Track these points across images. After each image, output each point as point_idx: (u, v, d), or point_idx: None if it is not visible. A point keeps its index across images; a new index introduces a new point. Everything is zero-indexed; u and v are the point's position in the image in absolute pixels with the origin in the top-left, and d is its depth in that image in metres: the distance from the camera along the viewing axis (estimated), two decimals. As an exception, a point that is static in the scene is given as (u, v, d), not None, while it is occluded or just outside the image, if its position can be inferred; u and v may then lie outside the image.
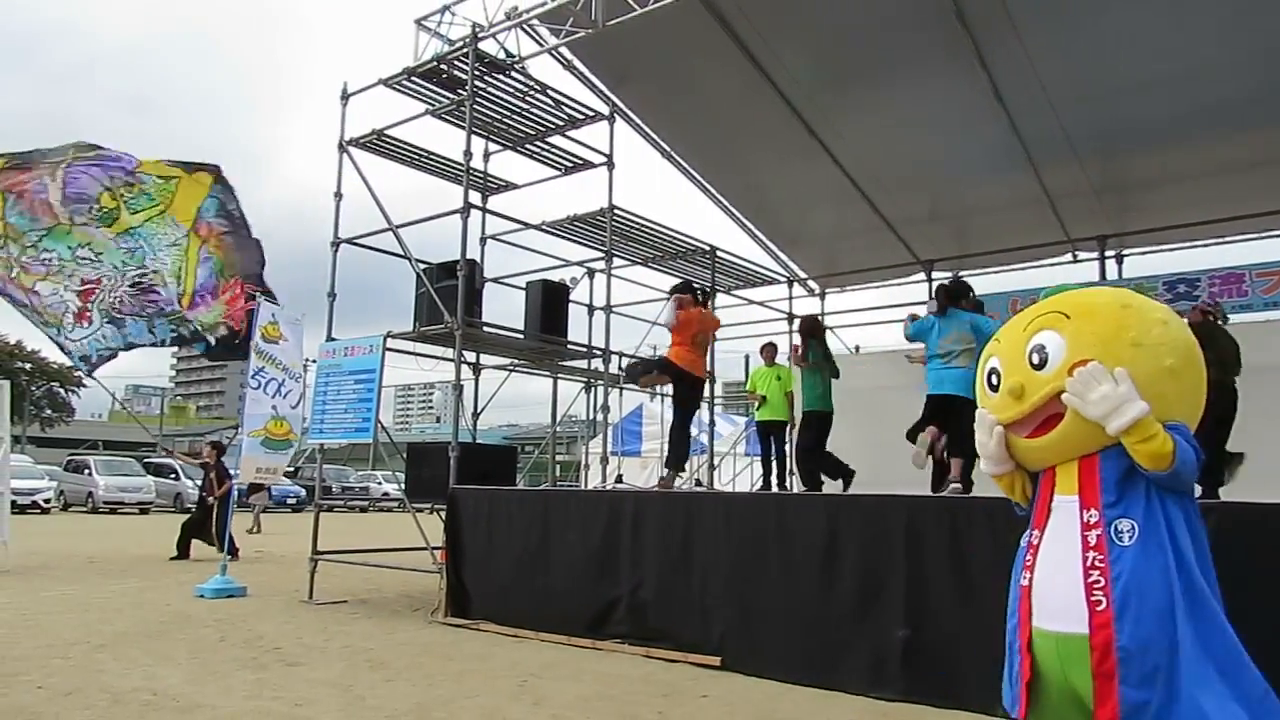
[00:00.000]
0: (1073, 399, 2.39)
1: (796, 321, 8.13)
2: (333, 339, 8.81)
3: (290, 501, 28.53)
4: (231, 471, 10.99)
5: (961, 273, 12.35)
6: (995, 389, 2.67)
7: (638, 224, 10.37)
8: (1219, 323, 6.46)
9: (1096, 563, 2.36)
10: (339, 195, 9.19)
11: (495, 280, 10.22)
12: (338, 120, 9.20)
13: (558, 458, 16.13)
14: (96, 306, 9.46)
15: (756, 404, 9.49)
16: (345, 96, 9.25)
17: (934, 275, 12.28)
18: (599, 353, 9.80)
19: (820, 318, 11.10)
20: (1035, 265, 11.57)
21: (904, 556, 4.87)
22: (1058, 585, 2.40)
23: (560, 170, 10.47)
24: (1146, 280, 10.07)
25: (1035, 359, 2.52)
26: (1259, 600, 3.69)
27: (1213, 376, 4.20)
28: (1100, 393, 2.34)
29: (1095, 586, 2.33)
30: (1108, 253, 10.87)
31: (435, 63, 8.52)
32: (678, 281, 8.68)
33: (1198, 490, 3.11)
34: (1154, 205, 10.20)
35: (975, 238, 11.68)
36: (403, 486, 8.44)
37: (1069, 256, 11.51)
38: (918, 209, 11.39)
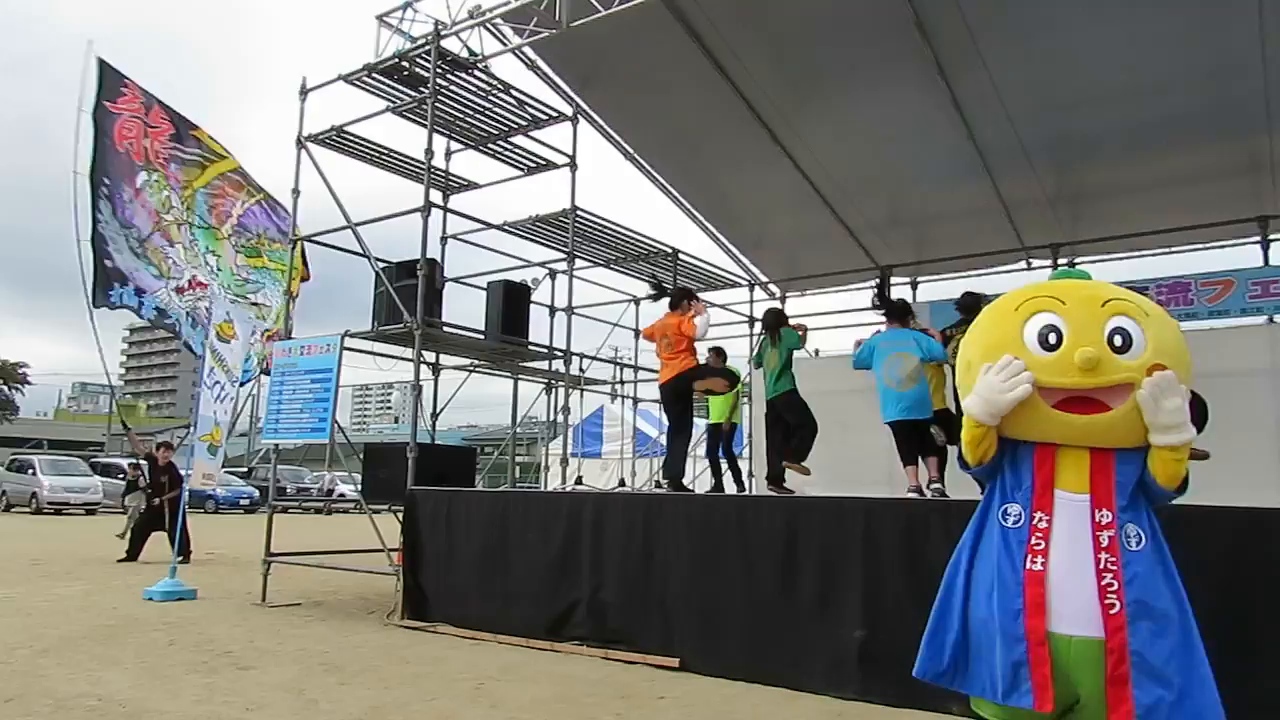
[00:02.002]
0: (1147, 399, 2.36)
1: (760, 319, 8.09)
2: (289, 337, 8.67)
3: (244, 502, 28.00)
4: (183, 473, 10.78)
5: (919, 278, 12.61)
6: (1051, 348, 2.50)
7: (600, 225, 10.36)
8: None
9: (1109, 565, 2.36)
10: (296, 192, 9.05)
11: (456, 280, 10.14)
12: (298, 116, 9.09)
13: (517, 459, 16.03)
14: (185, 299, 11.48)
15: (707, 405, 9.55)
16: (304, 91, 9.12)
17: (892, 280, 12.44)
18: (560, 354, 9.77)
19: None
20: (990, 272, 11.78)
21: (861, 558, 4.92)
22: (1071, 587, 2.38)
23: (523, 170, 10.42)
24: (1097, 288, 10.28)
25: (1119, 340, 2.44)
26: (1208, 596, 3.79)
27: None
28: (1175, 404, 2.35)
29: (1109, 590, 2.34)
30: (1060, 260, 11.09)
31: (397, 59, 8.43)
32: (682, 286, 8.53)
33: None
34: (1105, 215, 10.44)
35: (933, 244, 11.85)
36: (359, 487, 8.34)
37: (1023, 264, 11.74)
38: (877, 215, 11.54)
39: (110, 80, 10.89)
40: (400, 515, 7.48)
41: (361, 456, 8.59)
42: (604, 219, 10.18)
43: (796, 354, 7.47)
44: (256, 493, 27.92)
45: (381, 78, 8.71)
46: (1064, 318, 2.50)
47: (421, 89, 8.60)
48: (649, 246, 11.20)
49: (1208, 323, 9.62)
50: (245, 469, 33.54)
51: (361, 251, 8.54)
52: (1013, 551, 2.48)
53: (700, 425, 9.52)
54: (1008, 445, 2.61)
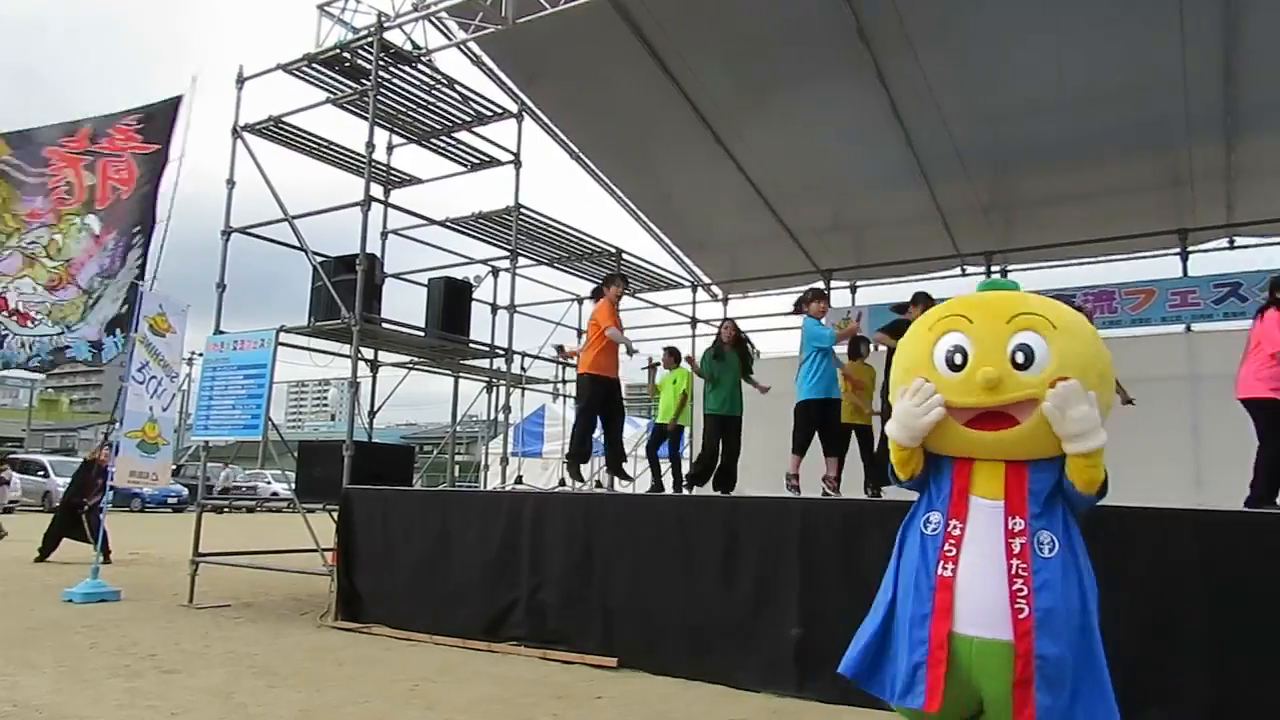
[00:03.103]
0: (1053, 411, 2.41)
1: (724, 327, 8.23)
2: (221, 332, 8.46)
3: (171, 501, 27.14)
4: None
5: (859, 283, 12.84)
6: (957, 369, 2.57)
7: (544, 223, 10.32)
8: None
9: (1020, 571, 2.42)
10: (231, 182, 8.82)
11: (396, 276, 10.00)
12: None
13: (457, 458, 15.84)
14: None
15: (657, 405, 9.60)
16: (241, 80, 8.89)
17: (833, 284, 12.65)
18: (501, 352, 9.70)
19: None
20: (927, 277, 12.03)
21: (798, 558, 4.99)
22: (981, 590, 2.44)
23: (466, 166, 10.32)
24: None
25: (1020, 358, 2.49)
26: (1124, 595, 3.93)
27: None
28: (1081, 412, 2.40)
29: (1019, 595, 2.40)
30: (994, 267, 11.40)
31: (338, 50, 8.27)
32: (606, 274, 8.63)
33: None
34: (1036, 224, 10.76)
35: (872, 249, 12.08)
36: (293, 486, 8.17)
37: (958, 270, 12.03)
38: (819, 219, 11.72)
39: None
40: (335, 515, 7.35)
41: (296, 454, 8.42)
42: (548, 217, 10.15)
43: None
44: (185, 491, 27.08)
45: (322, 68, 8.53)
46: (970, 337, 2.57)
47: (363, 81, 8.46)
48: (593, 246, 11.19)
49: (1130, 330, 9.98)
50: (174, 466, 32.52)
51: (299, 245, 8.36)
52: (928, 557, 2.56)
53: (641, 425, 9.56)
54: (931, 457, 2.69)
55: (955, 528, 2.54)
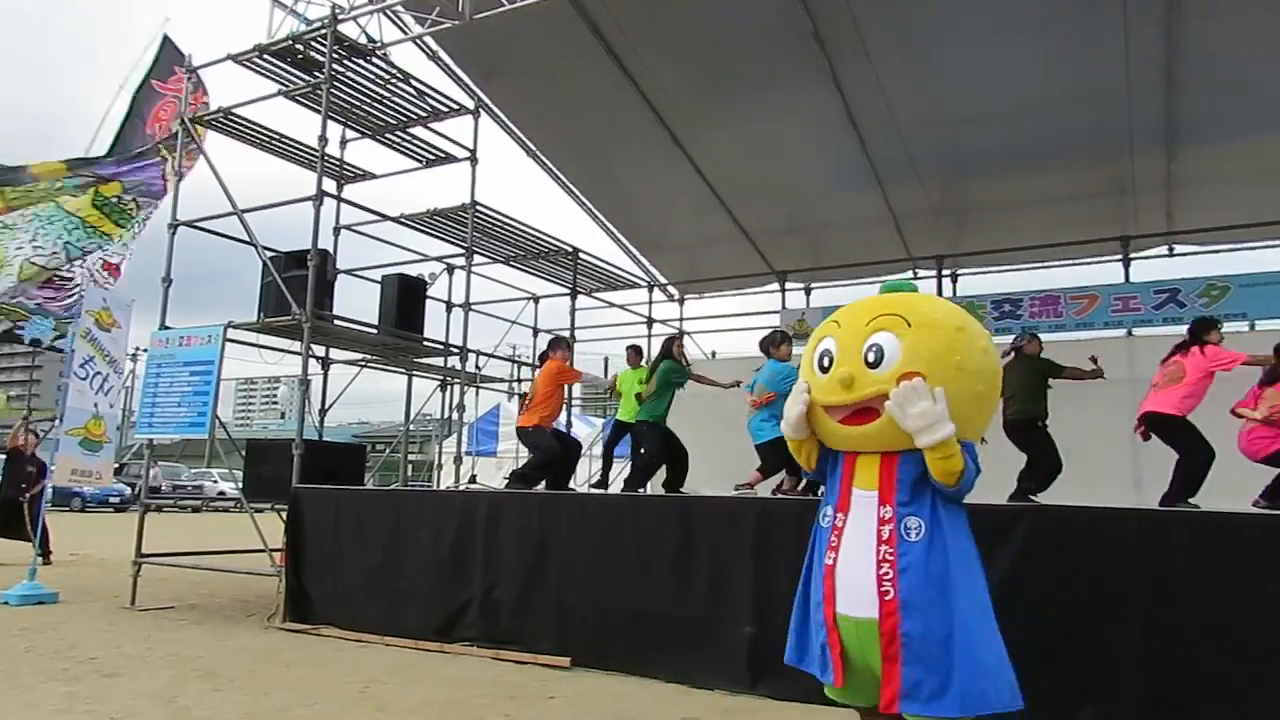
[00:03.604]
0: (894, 409, 2.60)
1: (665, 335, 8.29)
2: (167, 327, 8.27)
3: (114, 500, 26.41)
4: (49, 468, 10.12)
5: (813, 285, 12.97)
6: (825, 370, 2.83)
7: (500, 221, 10.24)
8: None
9: (887, 556, 2.62)
10: (180, 174, 8.63)
11: (348, 272, 9.84)
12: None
13: (410, 457, 15.68)
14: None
15: (618, 403, 9.58)
16: (190, 70, 8.70)
17: (787, 286, 12.77)
18: (456, 350, 9.62)
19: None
20: (880, 280, 12.16)
21: (751, 556, 5.03)
22: (854, 575, 2.66)
23: (421, 162, 10.21)
24: (976, 299, 10.82)
25: (871, 356, 2.71)
26: (1065, 593, 4.04)
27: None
28: (920, 409, 2.57)
29: (885, 578, 2.60)
30: (945, 271, 11.61)
31: (290, 42, 8.12)
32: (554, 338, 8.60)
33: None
34: (985, 229, 10.99)
35: (826, 252, 12.22)
36: (240, 485, 8.01)
37: (910, 273, 12.21)
38: (774, 221, 11.82)
39: (166, 59, 9.30)
40: (284, 514, 7.23)
41: (244, 453, 8.26)
42: (504, 215, 10.07)
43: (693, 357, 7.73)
44: (128, 490, 26.39)
45: (274, 60, 8.37)
46: (836, 340, 2.84)
47: (316, 74, 8.32)
48: (549, 244, 11.14)
49: (1074, 334, 10.22)
50: (117, 464, 31.65)
51: (248, 240, 8.21)
52: (821, 547, 2.82)
53: (597, 424, 9.54)
54: (830, 455, 2.94)
55: (840, 519, 2.78)
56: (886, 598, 2.57)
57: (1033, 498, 6.07)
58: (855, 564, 2.66)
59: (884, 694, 2.57)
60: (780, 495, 6.69)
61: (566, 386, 7.76)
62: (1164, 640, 3.89)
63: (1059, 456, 6.36)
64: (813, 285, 13.01)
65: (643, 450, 7.79)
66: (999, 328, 10.17)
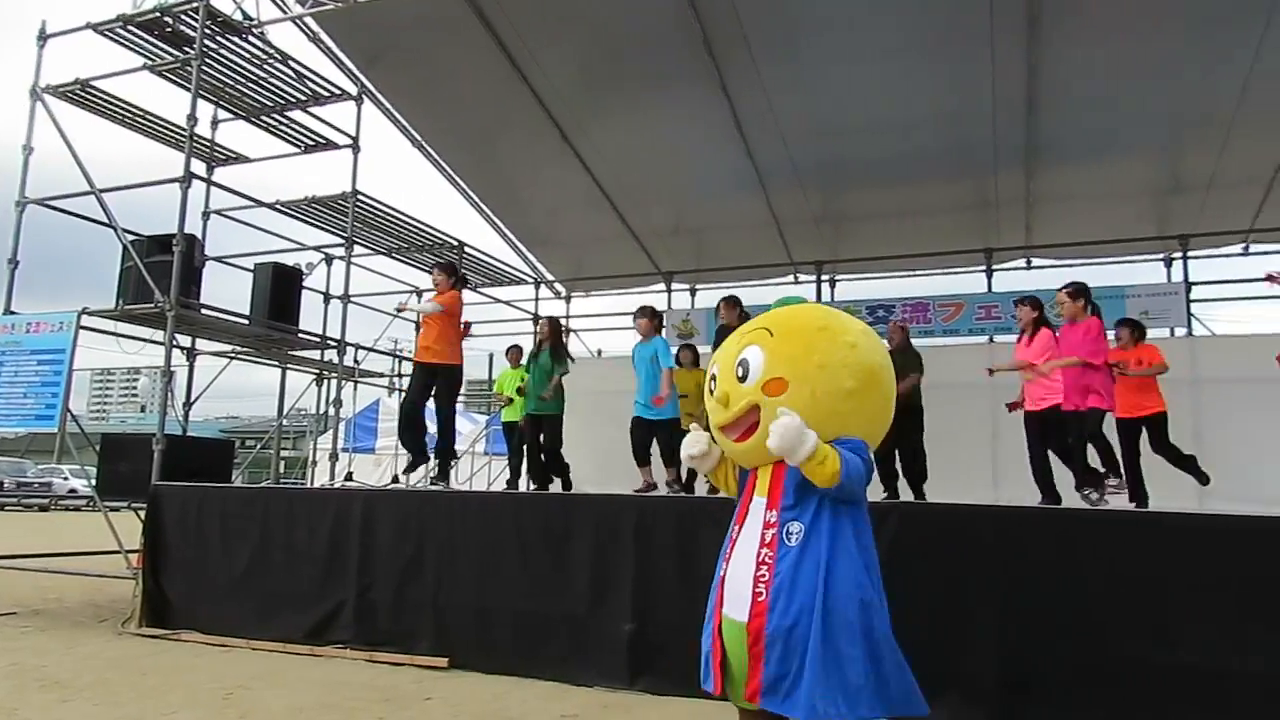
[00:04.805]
0: (769, 442, 2.64)
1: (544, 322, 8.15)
2: (12, 313, 7.69)
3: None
4: None
5: (698, 286, 13.18)
6: (713, 394, 2.93)
7: (382, 211, 9.97)
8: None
9: (766, 559, 2.68)
10: (29, 148, 8.03)
11: (218, 259, 9.35)
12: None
13: (283, 454, 15.10)
14: None
15: (502, 404, 9.48)
16: (43, 36, 8.11)
17: (674, 286, 12.94)
18: (334, 344, 9.32)
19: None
20: (763, 283, 12.51)
21: (633, 554, 5.08)
22: (738, 580, 2.71)
23: (300, 148, 9.82)
24: (853, 304, 11.23)
25: (740, 372, 2.80)
26: (928, 587, 4.25)
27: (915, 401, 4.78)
28: (777, 432, 2.60)
29: (760, 580, 2.66)
30: (824, 277, 12.00)
31: (158, 14, 7.68)
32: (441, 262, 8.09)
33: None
34: (862, 237, 11.42)
35: (712, 254, 12.43)
36: (94, 482, 7.52)
37: (791, 278, 12.58)
38: (662, 222, 11.95)
39: None
40: (142, 513, 6.83)
41: (98, 448, 7.76)
42: (387, 205, 9.82)
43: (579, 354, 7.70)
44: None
45: (139, 32, 7.89)
46: (719, 365, 2.95)
47: (186, 49, 7.89)
48: (433, 237, 10.93)
49: (942, 340, 10.79)
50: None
51: (107, 221, 7.71)
52: (721, 557, 2.86)
53: (480, 421, 9.43)
54: (742, 471, 3.01)
55: (735, 531, 2.84)
56: (759, 599, 2.63)
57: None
58: (741, 570, 2.71)
59: (748, 686, 2.63)
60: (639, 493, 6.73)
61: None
62: (1016, 627, 4.16)
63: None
64: (698, 286, 13.22)
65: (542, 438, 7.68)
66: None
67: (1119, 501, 5.79)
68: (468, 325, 7.53)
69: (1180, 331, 10.10)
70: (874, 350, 2.88)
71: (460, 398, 8.97)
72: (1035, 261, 11.45)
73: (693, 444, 3.05)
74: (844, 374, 2.75)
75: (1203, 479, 6.32)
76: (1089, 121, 9.11)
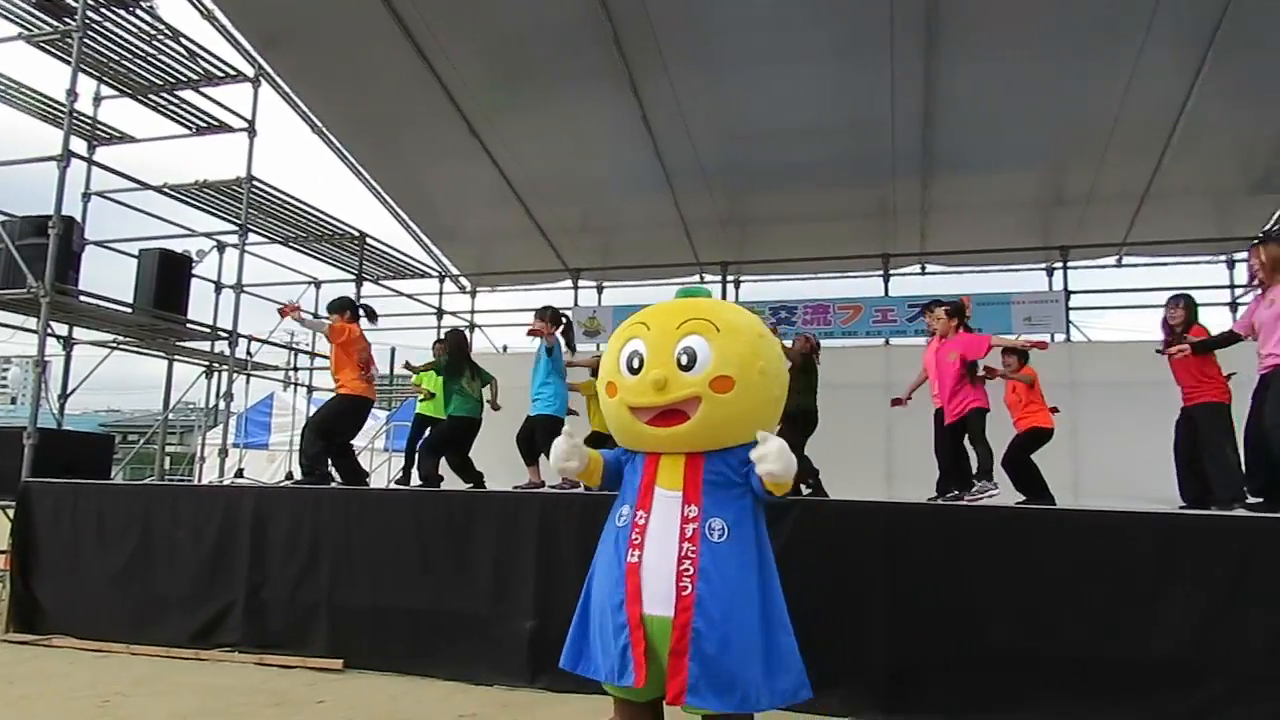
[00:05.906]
0: (761, 469, 2.67)
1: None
2: None
3: None
4: None
5: (605, 284, 13.21)
6: (634, 372, 2.83)
7: (279, 198, 9.64)
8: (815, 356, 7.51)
9: (689, 554, 2.68)
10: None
11: (99, 244, 8.85)
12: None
13: (169, 449, 14.38)
14: None
15: (421, 396, 9.29)
16: (-97, -1, 7.52)
17: (580, 284, 12.93)
18: (225, 335, 8.95)
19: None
20: (670, 282, 12.62)
21: (535, 550, 5.05)
22: (658, 573, 2.69)
23: (191, 130, 9.40)
24: (756, 304, 11.45)
25: (684, 359, 2.74)
26: (822, 579, 4.37)
27: (807, 402, 4.93)
28: (764, 469, 2.67)
29: (685, 574, 2.65)
30: (729, 277, 12.20)
31: (36, -20, 7.24)
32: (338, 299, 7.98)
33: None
34: (766, 239, 11.67)
35: (618, 252, 12.49)
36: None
37: (697, 277, 12.73)
38: (569, 219, 11.93)
39: None
40: (10, 512, 6.42)
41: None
42: (284, 192, 9.49)
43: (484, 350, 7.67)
44: None
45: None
46: (646, 342, 2.85)
47: (67, 20, 7.45)
48: (334, 227, 10.63)
49: (841, 341, 11.10)
50: None
51: (-26, 200, 7.22)
52: (620, 547, 2.80)
53: (380, 417, 9.21)
54: (628, 455, 2.98)
55: (641, 517, 2.79)
56: (684, 594, 2.62)
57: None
58: (660, 562, 2.69)
59: (670, 687, 2.62)
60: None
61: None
62: (902, 619, 4.32)
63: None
64: (605, 284, 13.25)
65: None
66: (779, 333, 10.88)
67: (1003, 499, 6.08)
68: (294, 307, 7.40)
69: (1060, 337, 10.68)
70: (785, 361, 3.10)
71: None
72: (929, 268, 11.92)
73: (567, 456, 2.97)
74: (775, 383, 2.88)
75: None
76: (980, 135, 9.55)
